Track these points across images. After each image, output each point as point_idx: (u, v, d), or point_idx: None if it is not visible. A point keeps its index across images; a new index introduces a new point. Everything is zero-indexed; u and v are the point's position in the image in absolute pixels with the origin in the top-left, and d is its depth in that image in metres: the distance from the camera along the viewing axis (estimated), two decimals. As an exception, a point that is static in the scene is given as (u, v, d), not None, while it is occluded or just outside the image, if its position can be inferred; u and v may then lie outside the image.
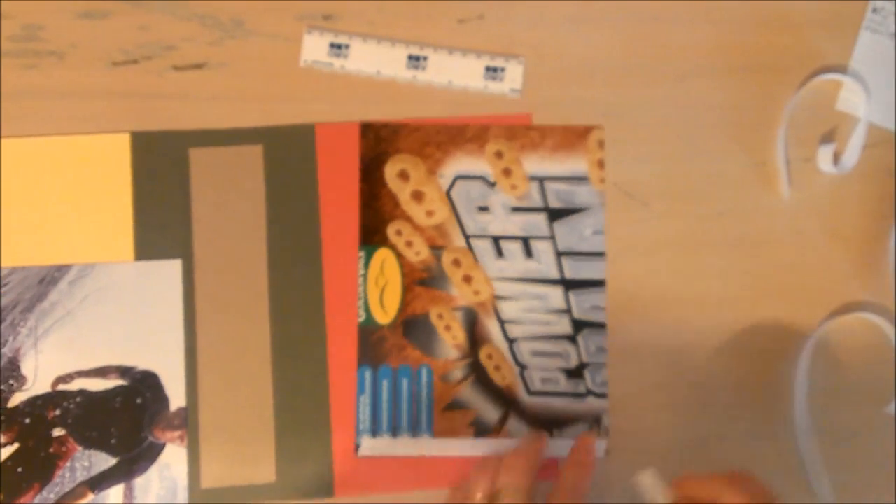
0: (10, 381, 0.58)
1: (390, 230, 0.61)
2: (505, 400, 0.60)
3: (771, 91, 0.63)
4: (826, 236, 0.63)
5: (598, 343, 0.61)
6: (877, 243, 0.63)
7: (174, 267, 0.60)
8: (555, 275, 0.61)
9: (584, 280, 0.61)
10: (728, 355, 0.61)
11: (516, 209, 0.61)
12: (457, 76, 0.62)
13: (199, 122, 0.61)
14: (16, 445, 0.58)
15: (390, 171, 0.61)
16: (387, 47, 0.62)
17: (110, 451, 0.58)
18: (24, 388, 0.58)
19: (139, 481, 0.58)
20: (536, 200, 0.61)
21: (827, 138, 0.63)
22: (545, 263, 0.61)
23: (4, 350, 0.58)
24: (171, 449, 0.58)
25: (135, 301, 0.59)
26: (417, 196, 0.61)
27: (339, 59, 0.62)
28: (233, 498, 0.58)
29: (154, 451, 0.58)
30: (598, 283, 0.61)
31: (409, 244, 0.61)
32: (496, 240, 0.61)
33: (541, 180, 0.61)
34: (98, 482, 0.58)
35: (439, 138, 0.61)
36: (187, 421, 0.59)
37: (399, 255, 0.60)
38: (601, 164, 0.62)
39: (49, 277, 0.59)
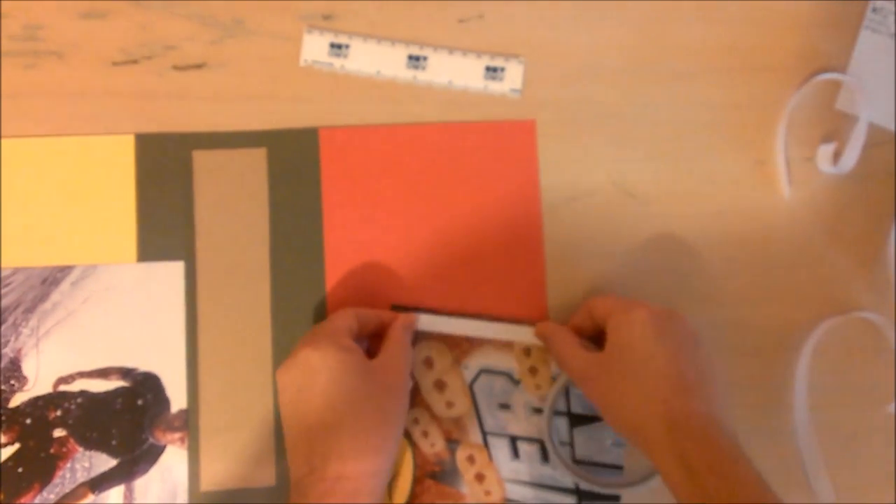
0: (12, 382, 0.58)
1: (408, 418, 0.59)
2: None
3: (771, 91, 0.64)
4: (826, 236, 0.63)
5: None
6: (877, 243, 0.63)
7: (176, 269, 0.59)
8: (569, 483, 0.59)
9: (599, 493, 0.59)
10: (728, 355, 0.61)
11: (538, 410, 0.60)
12: (457, 76, 0.62)
13: (199, 121, 0.61)
14: (16, 446, 0.58)
15: (416, 356, 0.60)
16: (387, 47, 0.62)
17: (111, 452, 0.58)
18: (26, 388, 0.58)
19: (139, 483, 0.58)
20: (559, 404, 0.60)
21: (827, 138, 0.64)
22: (560, 470, 0.59)
23: (6, 350, 0.58)
24: (172, 451, 0.58)
25: (137, 302, 0.59)
26: (440, 385, 0.60)
27: (339, 58, 0.61)
28: (233, 500, 0.58)
29: (154, 453, 0.58)
30: (613, 499, 0.59)
31: (425, 434, 0.59)
32: (514, 440, 0.60)
33: (566, 383, 0.60)
34: (98, 483, 0.58)
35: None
36: (188, 423, 0.58)
37: (413, 445, 0.59)
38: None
39: (51, 278, 0.59)
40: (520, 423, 0.60)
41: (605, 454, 0.59)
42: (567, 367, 0.56)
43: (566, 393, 0.60)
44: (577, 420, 0.60)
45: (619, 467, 0.60)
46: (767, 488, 0.46)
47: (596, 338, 0.57)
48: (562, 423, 0.60)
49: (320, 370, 0.51)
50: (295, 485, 0.50)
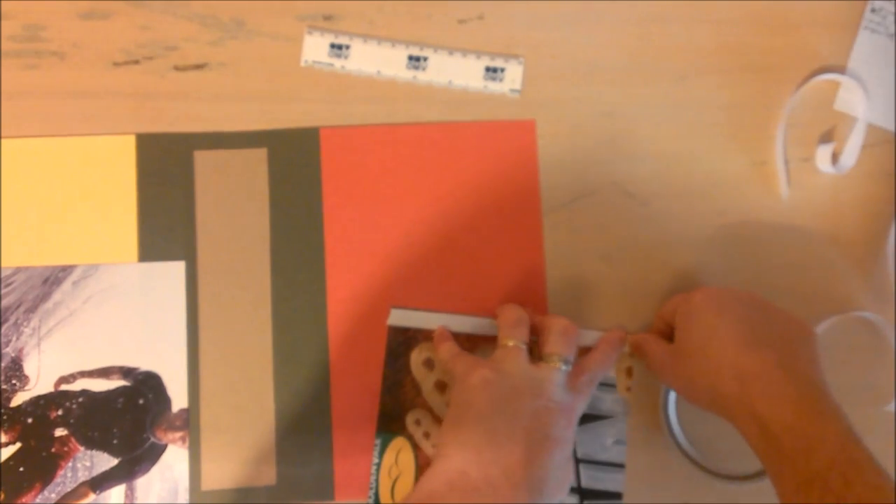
0: (13, 381, 0.58)
1: (409, 419, 0.59)
2: None
3: (770, 91, 0.64)
4: (825, 236, 0.63)
5: None
6: (876, 243, 0.63)
7: (178, 269, 0.60)
8: (572, 482, 0.58)
9: (601, 491, 0.59)
10: (728, 355, 0.61)
11: None
12: (457, 76, 0.62)
13: (200, 122, 0.61)
14: (18, 445, 0.58)
15: (416, 358, 0.60)
16: (387, 47, 0.62)
17: (112, 451, 0.58)
18: (27, 387, 0.58)
19: (140, 482, 0.58)
20: None
21: (826, 138, 0.64)
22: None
23: (7, 350, 0.58)
24: (173, 450, 0.58)
25: (138, 302, 0.59)
26: (440, 386, 0.60)
27: (339, 59, 0.62)
28: (233, 500, 0.58)
29: (155, 452, 0.58)
30: (615, 496, 0.59)
31: (426, 436, 0.59)
32: None
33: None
34: (99, 482, 0.58)
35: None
36: (189, 422, 0.59)
37: (415, 447, 0.59)
38: (630, 373, 0.60)
39: (53, 278, 0.59)
40: None
41: (606, 452, 0.60)
42: (653, 364, 0.57)
43: None
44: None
45: (620, 465, 0.60)
46: (852, 442, 0.45)
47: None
48: None
49: None
50: None
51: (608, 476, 0.59)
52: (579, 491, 0.59)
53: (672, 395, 0.60)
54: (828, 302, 0.62)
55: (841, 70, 0.64)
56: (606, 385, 0.60)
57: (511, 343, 0.55)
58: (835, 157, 0.63)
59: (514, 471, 0.49)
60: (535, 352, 0.56)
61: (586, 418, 0.59)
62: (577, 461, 0.59)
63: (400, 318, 0.60)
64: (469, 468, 0.49)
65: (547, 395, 0.53)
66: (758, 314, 0.53)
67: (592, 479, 0.59)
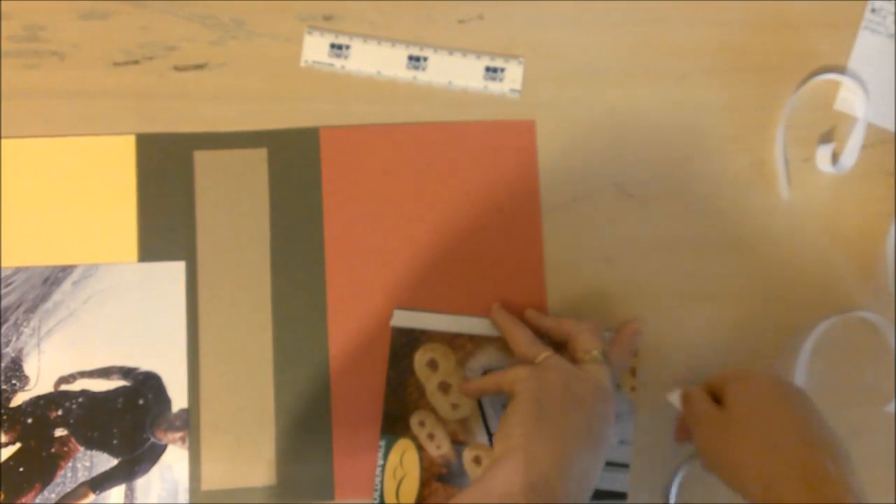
0: (13, 381, 0.58)
1: (413, 420, 0.60)
2: None
3: (770, 91, 0.64)
4: (825, 236, 0.63)
5: None
6: (876, 243, 0.63)
7: (177, 269, 0.60)
8: None
9: (606, 491, 0.59)
10: (728, 355, 0.62)
11: None
12: (457, 76, 0.62)
13: (200, 122, 0.61)
14: (18, 445, 0.58)
15: (420, 359, 0.60)
16: (387, 48, 0.62)
17: (112, 451, 0.58)
18: (27, 388, 0.58)
19: (140, 482, 0.58)
20: None
21: (826, 138, 0.64)
22: None
23: (7, 350, 0.58)
24: (173, 450, 0.58)
25: (138, 302, 0.59)
26: (444, 387, 0.60)
27: (339, 59, 0.62)
28: (233, 500, 0.58)
29: (155, 452, 0.58)
30: (620, 496, 0.59)
31: (430, 436, 0.59)
32: None
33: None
34: (99, 482, 0.58)
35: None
36: (189, 422, 0.59)
37: (420, 448, 0.59)
38: (633, 373, 0.60)
39: (53, 278, 0.59)
40: None
41: (611, 452, 0.59)
42: (696, 420, 0.55)
43: None
44: None
45: (625, 465, 0.60)
46: None
47: None
48: None
49: None
50: None
51: (613, 476, 0.60)
52: None
53: (677, 480, 0.60)
54: (827, 302, 0.62)
55: (841, 70, 0.64)
56: None
57: (543, 355, 0.55)
58: (835, 157, 0.63)
59: (589, 479, 0.50)
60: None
61: None
62: None
63: (403, 319, 0.60)
64: (551, 473, 0.48)
65: (604, 394, 0.53)
66: (814, 413, 0.53)
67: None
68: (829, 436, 0.51)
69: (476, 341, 0.60)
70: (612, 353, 0.56)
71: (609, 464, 0.59)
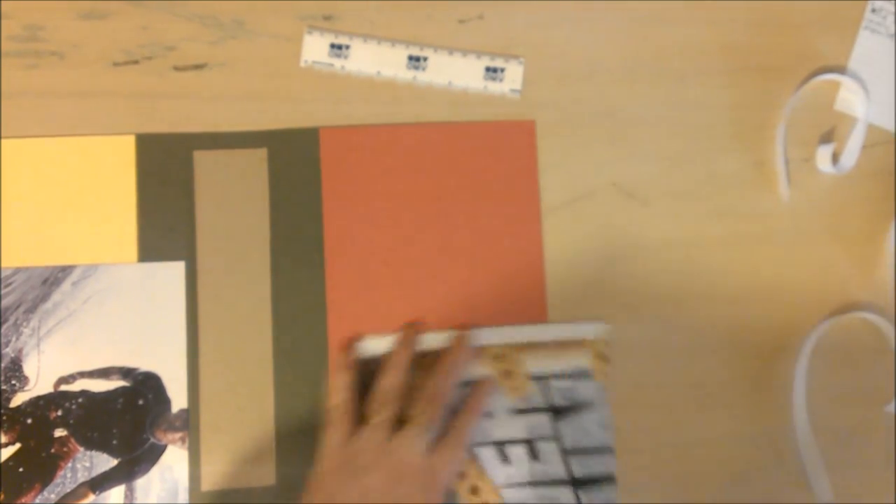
0: (13, 382, 0.58)
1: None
2: None
3: (770, 91, 0.64)
4: (825, 236, 0.63)
5: None
6: (876, 243, 0.63)
7: (177, 269, 0.60)
8: (563, 475, 0.59)
9: (593, 476, 0.59)
10: (728, 355, 0.62)
11: (519, 411, 0.60)
12: (457, 76, 0.62)
13: (200, 122, 0.61)
14: (17, 445, 0.58)
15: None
16: (387, 48, 0.62)
17: (112, 451, 0.58)
18: (27, 388, 0.58)
19: (140, 482, 0.58)
20: (538, 401, 0.60)
21: (826, 138, 0.64)
22: (552, 464, 0.59)
23: (7, 350, 0.58)
24: (173, 450, 0.58)
25: (138, 302, 0.59)
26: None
27: (339, 59, 0.62)
28: (233, 500, 0.58)
29: (155, 453, 0.58)
30: (608, 479, 0.59)
31: None
32: (500, 445, 0.59)
33: (543, 379, 0.60)
34: (99, 483, 0.58)
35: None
36: (188, 423, 0.59)
37: None
38: (603, 357, 0.60)
39: (52, 278, 0.59)
40: (503, 428, 0.59)
41: (592, 438, 0.60)
42: None
43: (546, 388, 0.60)
44: (558, 413, 0.60)
45: (610, 448, 0.60)
46: None
47: None
48: (544, 420, 0.60)
49: None
50: None
51: (598, 460, 0.60)
52: (572, 481, 0.59)
53: None
54: (827, 302, 0.62)
55: (841, 70, 0.64)
56: (581, 374, 0.60)
57: (375, 420, 0.55)
58: (835, 158, 0.63)
59: None
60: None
61: (567, 411, 0.59)
62: (567, 454, 0.59)
63: (371, 347, 0.60)
64: None
65: (399, 463, 0.53)
66: None
67: (584, 467, 0.59)
68: None
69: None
70: (456, 422, 0.57)
71: (592, 450, 0.60)
